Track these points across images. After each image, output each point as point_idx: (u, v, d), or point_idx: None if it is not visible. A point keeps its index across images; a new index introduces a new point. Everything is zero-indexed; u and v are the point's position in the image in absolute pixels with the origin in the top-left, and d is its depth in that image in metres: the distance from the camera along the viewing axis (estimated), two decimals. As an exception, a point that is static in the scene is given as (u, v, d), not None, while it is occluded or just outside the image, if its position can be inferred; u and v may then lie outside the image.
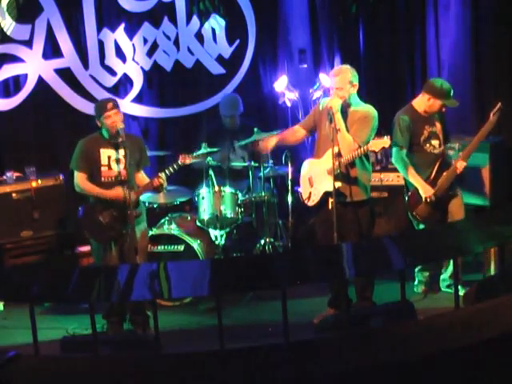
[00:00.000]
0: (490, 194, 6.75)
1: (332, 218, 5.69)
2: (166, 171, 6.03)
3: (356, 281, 6.04)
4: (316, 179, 5.99)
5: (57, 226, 7.22)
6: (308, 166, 6.13)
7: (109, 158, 5.95)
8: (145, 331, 5.95)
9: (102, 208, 5.94)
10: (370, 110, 5.92)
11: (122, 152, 5.90)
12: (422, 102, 6.21)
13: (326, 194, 5.87)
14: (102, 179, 5.96)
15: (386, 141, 5.69)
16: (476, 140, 6.21)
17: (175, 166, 6.07)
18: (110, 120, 5.89)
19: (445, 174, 6.21)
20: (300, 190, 6.19)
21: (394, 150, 6.18)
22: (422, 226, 6.31)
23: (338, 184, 5.80)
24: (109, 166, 5.96)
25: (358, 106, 5.95)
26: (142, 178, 6.12)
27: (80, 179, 6.00)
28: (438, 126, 6.25)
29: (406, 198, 6.31)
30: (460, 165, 6.17)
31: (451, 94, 6.17)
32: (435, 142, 6.23)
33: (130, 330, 6.11)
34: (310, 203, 6.04)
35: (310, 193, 6.03)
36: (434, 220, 6.24)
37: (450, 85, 6.20)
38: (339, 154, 5.79)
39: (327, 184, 5.81)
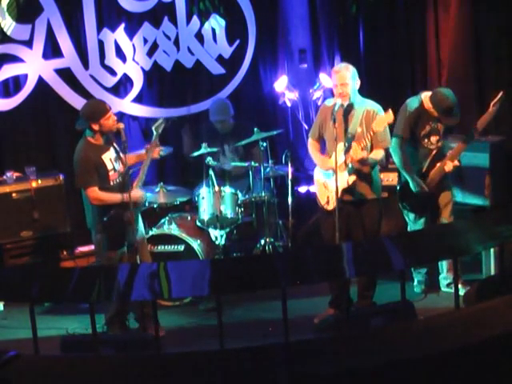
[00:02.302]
0: (490, 194, 6.75)
1: (341, 213, 5.68)
2: (155, 138, 6.07)
3: (359, 279, 6.05)
4: (332, 180, 5.89)
5: (57, 226, 7.22)
6: (320, 172, 6.08)
7: (110, 160, 5.88)
8: (145, 330, 5.93)
9: (123, 210, 5.81)
10: (378, 106, 5.93)
11: (112, 149, 5.87)
12: (427, 102, 6.20)
13: (344, 191, 5.84)
14: (111, 183, 5.87)
15: (388, 115, 5.66)
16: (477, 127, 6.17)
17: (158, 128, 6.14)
18: (111, 120, 5.83)
19: (438, 164, 6.20)
20: (317, 197, 6.08)
21: (394, 139, 6.15)
22: (414, 219, 6.33)
23: (353, 178, 5.81)
24: (113, 168, 5.88)
25: (365, 102, 5.93)
26: (130, 157, 6.08)
27: (96, 194, 5.78)
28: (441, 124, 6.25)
29: (398, 188, 6.34)
30: (448, 166, 6.17)
31: (451, 112, 6.05)
32: (434, 139, 6.23)
33: (130, 329, 6.10)
34: (331, 207, 5.91)
35: (328, 196, 5.95)
36: (423, 211, 6.26)
37: (453, 103, 6.05)
38: (348, 150, 5.78)
39: (343, 181, 5.80)
